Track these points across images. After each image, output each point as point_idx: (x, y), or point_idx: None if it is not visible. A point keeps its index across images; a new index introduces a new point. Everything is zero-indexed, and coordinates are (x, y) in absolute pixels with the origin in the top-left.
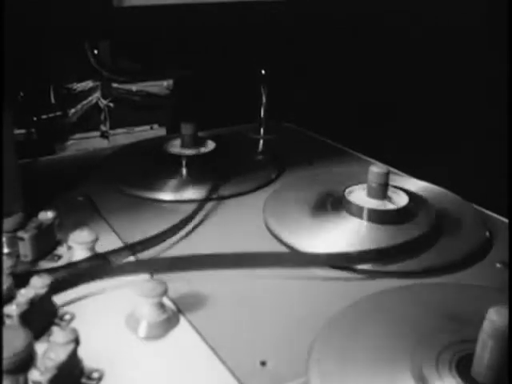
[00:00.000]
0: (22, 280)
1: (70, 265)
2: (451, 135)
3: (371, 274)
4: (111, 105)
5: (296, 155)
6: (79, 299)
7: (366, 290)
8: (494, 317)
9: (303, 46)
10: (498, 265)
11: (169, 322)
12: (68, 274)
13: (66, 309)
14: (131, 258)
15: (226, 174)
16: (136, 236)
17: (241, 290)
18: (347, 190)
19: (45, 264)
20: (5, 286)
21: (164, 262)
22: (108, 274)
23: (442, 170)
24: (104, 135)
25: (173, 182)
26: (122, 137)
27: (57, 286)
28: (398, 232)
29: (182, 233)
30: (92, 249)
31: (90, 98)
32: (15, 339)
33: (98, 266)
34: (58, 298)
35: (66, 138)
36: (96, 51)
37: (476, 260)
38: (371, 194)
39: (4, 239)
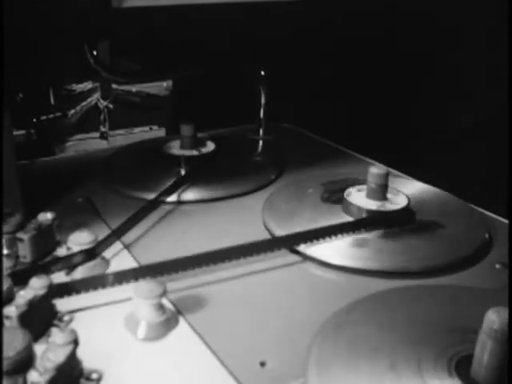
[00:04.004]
0: (21, 281)
1: (60, 259)
2: (451, 137)
3: (371, 275)
4: (110, 106)
5: (295, 156)
6: (78, 300)
7: (365, 290)
8: (494, 318)
9: (302, 47)
10: (498, 266)
11: (168, 323)
12: (70, 281)
13: (65, 310)
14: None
15: (225, 174)
16: (134, 237)
17: (240, 291)
18: (347, 191)
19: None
20: (4, 287)
21: (162, 266)
22: (110, 283)
23: (441, 172)
24: (103, 136)
25: (172, 184)
26: (122, 138)
27: (57, 292)
28: (397, 233)
29: (181, 233)
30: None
31: (89, 99)
32: (14, 340)
33: (98, 276)
34: (57, 300)
35: (66, 139)
36: (95, 52)
37: (476, 261)
38: (371, 195)
39: (3, 240)
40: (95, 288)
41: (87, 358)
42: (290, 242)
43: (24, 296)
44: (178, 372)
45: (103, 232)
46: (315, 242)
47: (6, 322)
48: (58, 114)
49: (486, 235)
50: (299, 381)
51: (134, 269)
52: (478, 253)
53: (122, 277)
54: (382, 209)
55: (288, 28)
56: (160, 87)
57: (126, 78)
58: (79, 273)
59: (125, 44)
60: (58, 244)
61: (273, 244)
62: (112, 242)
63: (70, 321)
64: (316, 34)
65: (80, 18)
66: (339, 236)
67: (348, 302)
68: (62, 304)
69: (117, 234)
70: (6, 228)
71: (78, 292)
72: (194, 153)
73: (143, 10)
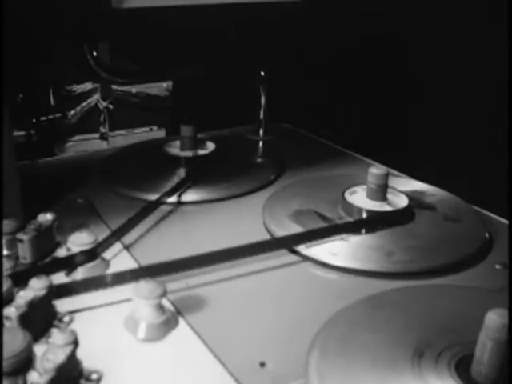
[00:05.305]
0: (21, 281)
1: (60, 260)
2: (451, 136)
3: (370, 275)
4: (110, 106)
5: (295, 157)
6: (78, 301)
7: (365, 290)
8: (494, 318)
9: (302, 48)
10: (498, 266)
11: (168, 323)
12: (70, 282)
13: (65, 310)
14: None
15: (225, 175)
16: (135, 238)
17: (240, 291)
18: (347, 192)
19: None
20: (4, 288)
21: (162, 267)
22: (109, 284)
23: (441, 172)
24: (103, 137)
25: (172, 184)
26: (122, 138)
27: (57, 293)
28: (397, 233)
29: (182, 234)
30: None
31: (89, 100)
32: (14, 341)
33: (99, 276)
34: (57, 300)
35: (66, 139)
36: (95, 53)
37: (476, 261)
38: (371, 195)
39: (3, 241)
40: (95, 289)
41: (87, 358)
42: (290, 243)
43: (24, 297)
44: (178, 372)
45: (103, 233)
46: (315, 242)
47: (6, 323)
48: (58, 114)
49: (486, 235)
50: (299, 381)
51: (134, 270)
52: (478, 253)
53: (122, 277)
54: (382, 209)
55: (288, 28)
56: (160, 88)
57: (126, 79)
58: (79, 273)
59: (125, 44)
60: (58, 245)
61: (273, 244)
62: (112, 242)
63: (70, 321)
64: (316, 34)
65: (80, 18)
66: (339, 236)
67: (348, 302)
68: (62, 304)
69: (117, 235)
70: (6, 228)
71: (77, 293)
72: (194, 153)
73: (143, 11)
